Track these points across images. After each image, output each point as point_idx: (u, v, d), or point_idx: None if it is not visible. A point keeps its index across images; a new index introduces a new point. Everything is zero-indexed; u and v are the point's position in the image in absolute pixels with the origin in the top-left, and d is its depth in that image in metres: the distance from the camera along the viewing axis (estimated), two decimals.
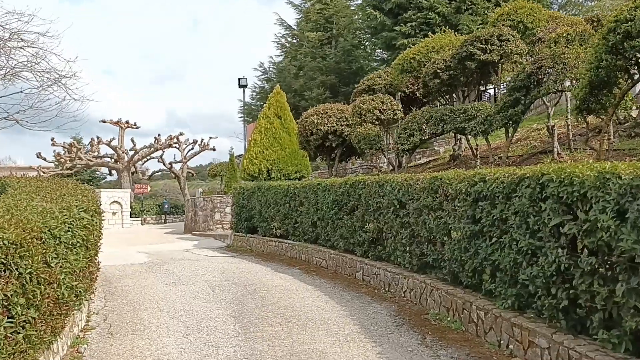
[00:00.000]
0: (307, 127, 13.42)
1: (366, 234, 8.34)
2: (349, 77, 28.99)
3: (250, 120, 31.49)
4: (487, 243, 5.13)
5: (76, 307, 5.18)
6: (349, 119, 12.54)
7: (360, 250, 8.63)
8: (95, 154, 34.85)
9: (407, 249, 7.10)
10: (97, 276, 6.41)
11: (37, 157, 31.94)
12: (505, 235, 4.80)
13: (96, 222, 5.79)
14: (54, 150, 32.27)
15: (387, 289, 7.49)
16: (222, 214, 20.29)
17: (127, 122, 36.01)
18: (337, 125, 13.06)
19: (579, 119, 7.61)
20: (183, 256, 12.51)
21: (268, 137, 16.73)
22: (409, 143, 10.68)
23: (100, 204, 7.19)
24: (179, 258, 12.03)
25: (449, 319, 5.72)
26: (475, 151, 10.88)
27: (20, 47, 8.63)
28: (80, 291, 5.08)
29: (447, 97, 12.34)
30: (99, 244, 6.72)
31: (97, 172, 44.03)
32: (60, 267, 4.28)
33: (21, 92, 8.86)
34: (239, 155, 30.86)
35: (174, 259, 11.90)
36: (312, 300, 7.01)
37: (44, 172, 30.68)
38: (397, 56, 14.21)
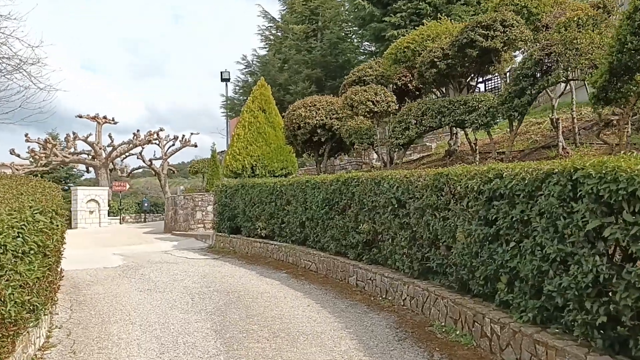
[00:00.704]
0: (294, 121, 12.77)
1: (360, 235, 7.77)
2: (336, 70, 28.37)
3: (233, 115, 30.68)
4: (504, 248, 4.57)
5: (31, 324, 4.50)
6: (339, 111, 11.93)
7: (353, 253, 8.05)
8: (72, 150, 33.72)
9: (407, 252, 6.54)
10: (59, 285, 5.72)
11: (11, 153, 30.71)
12: (527, 240, 4.24)
13: (57, 225, 5.09)
14: (29, 147, 31.10)
15: (384, 296, 6.91)
16: (203, 213, 19.55)
17: (104, 117, 34.94)
18: (327, 118, 12.43)
19: (596, 110, 7.09)
20: (161, 258, 11.80)
21: (252, 132, 16.04)
22: (404, 137, 10.11)
23: (63, 204, 6.47)
24: (157, 261, 11.32)
25: (457, 332, 5.16)
26: (474, 146, 10.35)
27: None
28: (36, 305, 4.41)
29: (443, 88, 11.77)
30: (61, 249, 6.01)
31: (75, 170, 42.69)
32: (7, 280, 3.61)
33: None
34: (222, 152, 30.05)
35: (151, 261, 11.18)
36: (302, 310, 6.40)
37: (17, 169, 29.53)
38: (388, 47, 13.65)
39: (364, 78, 12.94)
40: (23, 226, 3.93)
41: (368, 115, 10.71)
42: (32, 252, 4.09)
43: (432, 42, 11.15)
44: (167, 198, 23.36)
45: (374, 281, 7.26)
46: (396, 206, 6.75)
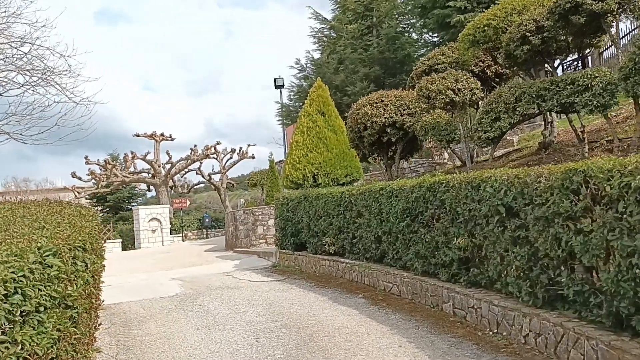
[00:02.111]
0: (359, 121, 11.58)
1: (454, 252, 6.43)
2: (395, 67, 26.96)
3: (289, 122, 29.95)
4: None
5: None
6: (410, 106, 10.62)
7: (445, 274, 6.71)
8: (132, 169, 34.30)
9: (525, 274, 5.14)
10: (93, 338, 4.81)
11: (72, 176, 31.56)
12: None
13: (84, 266, 4.15)
14: (89, 169, 31.85)
15: (495, 329, 5.53)
16: (265, 227, 18.76)
17: (162, 134, 35.36)
18: (396, 115, 11.14)
19: None
20: (222, 282, 10.92)
21: (311, 138, 14.96)
22: (493, 130, 8.63)
23: (97, 235, 5.59)
24: (217, 286, 10.44)
25: None
26: (581, 134, 8.68)
27: (7, 43, 7.28)
28: None
29: (532, 71, 10.05)
30: (97, 293, 5.09)
31: (137, 189, 43.65)
32: None
33: (0, 95, 7.49)
34: (280, 161, 29.36)
35: (210, 287, 10.32)
36: (393, 355, 5.14)
37: (78, 192, 30.26)
38: (454, 35, 12.21)
39: (435, 66, 11.55)
40: (26, 276, 2.97)
41: (447, 108, 9.32)
42: (42, 308, 3.11)
43: (518, 16, 9.61)
44: (226, 213, 22.87)
45: (479, 310, 5.89)
46: (505, 215, 5.38)
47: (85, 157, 31.25)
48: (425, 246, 7.08)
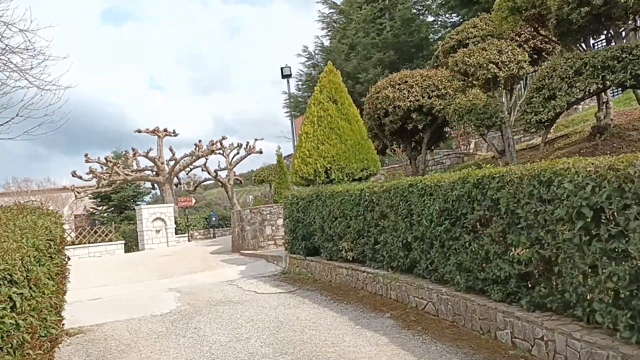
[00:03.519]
0: (378, 106, 10.20)
1: (512, 265, 5.12)
2: (411, 52, 25.49)
3: (298, 114, 28.65)
4: None
5: None
6: (440, 86, 9.22)
7: (498, 292, 5.39)
8: (135, 167, 33.22)
9: (625, 301, 3.81)
10: None
11: (73, 175, 30.50)
12: None
13: (11, 307, 2.88)
14: (89, 167, 30.77)
15: None
16: (273, 228, 17.51)
17: (165, 130, 34.23)
18: (423, 97, 9.74)
19: None
20: (224, 295, 9.69)
21: (323, 128, 13.62)
22: (546, 110, 7.23)
23: (59, 242, 4.31)
24: (218, 300, 9.20)
25: None
26: None
27: None
28: None
29: (589, 39, 8.56)
30: (32, 345, 3.80)
31: (142, 187, 42.61)
32: None
33: None
34: (289, 156, 28.07)
35: (211, 302, 9.08)
36: None
37: (78, 192, 29.24)
38: (476, 13, 10.80)
39: (466, 41, 10.12)
40: None
41: (487, 86, 7.94)
42: None
43: None
44: (232, 213, 21.65)
45: (550, 343, 4.56)
46: (591, 220, 4.04)
47: (85, 155, 30.21)
48: (470, 256, 5.76)
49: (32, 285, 3.41)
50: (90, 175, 30.28)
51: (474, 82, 7.97)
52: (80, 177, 30.46)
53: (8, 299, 3.02)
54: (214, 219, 34.28)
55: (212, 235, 34.03)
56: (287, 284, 10.35)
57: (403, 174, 12.81)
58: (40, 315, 3.54)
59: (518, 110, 8.86)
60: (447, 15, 25.17)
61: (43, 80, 6.46)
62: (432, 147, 12.67)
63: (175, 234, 29.56)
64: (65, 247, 21.55)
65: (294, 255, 11.87)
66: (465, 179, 5.69)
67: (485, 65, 7.73)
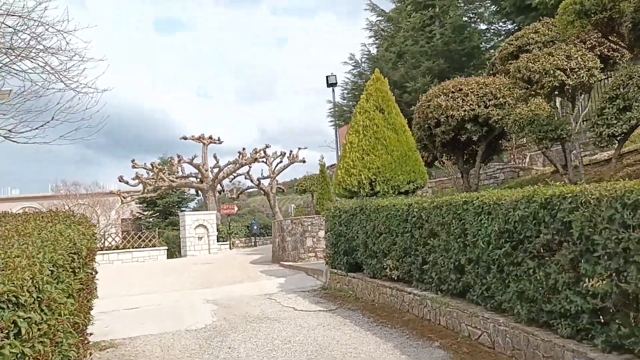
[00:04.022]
0: (429, 115, 9.64)
1: (585, 298, 4.48)
2: (461, 61, 24.66)
3: (342, 123, 28.23)
4: None
5: None
6: (498, 95, 8.59)
7: (567, 327, 4.75)
8: (180, 173, 33.67)
9: None
10: None
11: (119, 180, 31.23)
12: None
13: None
14: (135, 173, 31.37)
15: None
16: (314, 239, 17.11)
17: (210, 137, 34.57)
18: (479, 107, 9.11)
19: None
20: (262, 310, 9.32)
21: (368, 138, 13.12)
22: (620, 123, 6.53)
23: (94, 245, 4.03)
24: (255, 316, 8.84)
25: None
26: None
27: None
28: None
29: None
30: None
31: (186, 194, 43.22)
32: None
33: None
34: (332, 165, 27.69)
35: (247, 317, 8.73)
36: None
37: (124, 197, 29.81)
38: (533, 20, 10.07)
39: (527, 47, 9.44)
40: None
41: (553, 94, 7.27)
42: None
43: None
44: (273, 223, 21.40)
45: None
46: None
47: (132, 161, 30.86)
48: (534, 285, 5.13)
49: (44, 307, 3.10)
50: (137, 181, 30.86)
51: (538, 91, 7.30)
52: (127, 182, 31.11)
53: (12, 325, 2.71)
54: (255, 227, 34.27)
55: (253, 243, 34.03)
56: (327, 301, 9.89)
57: (453, 188, 12.12)
58: (53, 339, 3.21)
59: (584, 122, 8.11)
60: (500, 23, 24.25)
61: (79, 83, 6.31)
62: (486, 161, 11.93)
63: (217, 241, 29.65)
64: (109, 252, 21.81)
65: (335, 270, 11.39)
66: (530, 197, 5.08)
67: (551, 71, 7.04)
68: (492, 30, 25.91)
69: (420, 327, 7.13)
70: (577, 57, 7.30)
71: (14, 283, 2.80)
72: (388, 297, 8.79)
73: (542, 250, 5.05)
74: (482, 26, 26.76)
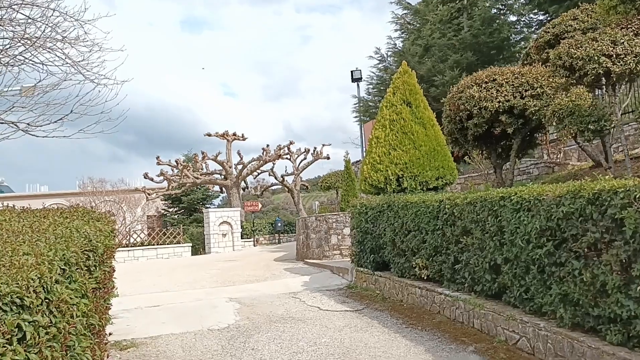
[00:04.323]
0: (461, 107, 9.23)
1: (638, 302, 4.09)
2: (490, 54, 23.99)
3: (367, 119, 27.82)
4: None
5: None
6: (535, 84, 8.15)
7: (617, 334, 4.38)
8: (204, 170, 33.75)
9: None
10: None
11: (145, 177, 31.44)
12: None
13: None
14: (160, 170, 31.54)
15: None
16: (339, 237, 16.82)
17: (234, 133, 34.55)
18: (515, 97, 8.67)
19: None
20: (286, 310, 9.10)
21: (395, 133, 12.75)
22: None
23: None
24: (279, 315, 8.61)
25: None
26: None
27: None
28: None
29: None
30: None
31: (210, 191, 43.41)
32: None
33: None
34: (357, 162, 27.33)
35: (271, 317, 8.51)
36: None
37: (148, 194, 30.01)
38: (568, 9, 9.55)
39: (564, 34, 8.96)
40: None
41: (597, 83, 6.82)
42: None
43: None
44: (297, 220, 21.20)
45: None
46: None
47: (157, 158, 31.01)
48: (580, 287, 4.75)
49: (53, 309, 2.90)
50: (161, 178, 31.03)
51: (580, 79, 6.85)
52: (152, 179, 31.32)
53: (16, 329, 2.50)
54: (279, 224, 34.19)
55: (277, 240, 33.96)
56: (353, 301, 9.61)
57: (487, 184, 11.66)
58: (64, 343, 3.01)
59: (624, 115, 7.62)
60: (531, 15, 23.50)
61: (98, 74, 6.15)
62: (521, 155, 11.43)
63: (241, 238, 29.64)
64: (135, 248, 21.88)
65: (361, 269, 11.10)
66: (576, 192, 4.70)
67: (596, 57, 6.58)
68: (522, 22, 25.13)
69: (453, 329, 6.79)
70: (623, 43, 6.82)
71: (18, 283, 2.60)
72: (417, 297, 8.46)
73: (589, 250, 4.67)
74: (512, 18, 25.99)
